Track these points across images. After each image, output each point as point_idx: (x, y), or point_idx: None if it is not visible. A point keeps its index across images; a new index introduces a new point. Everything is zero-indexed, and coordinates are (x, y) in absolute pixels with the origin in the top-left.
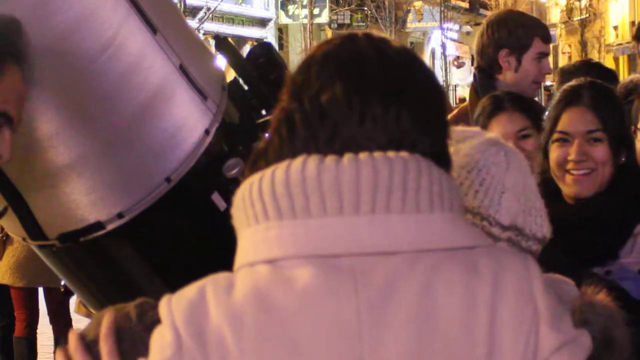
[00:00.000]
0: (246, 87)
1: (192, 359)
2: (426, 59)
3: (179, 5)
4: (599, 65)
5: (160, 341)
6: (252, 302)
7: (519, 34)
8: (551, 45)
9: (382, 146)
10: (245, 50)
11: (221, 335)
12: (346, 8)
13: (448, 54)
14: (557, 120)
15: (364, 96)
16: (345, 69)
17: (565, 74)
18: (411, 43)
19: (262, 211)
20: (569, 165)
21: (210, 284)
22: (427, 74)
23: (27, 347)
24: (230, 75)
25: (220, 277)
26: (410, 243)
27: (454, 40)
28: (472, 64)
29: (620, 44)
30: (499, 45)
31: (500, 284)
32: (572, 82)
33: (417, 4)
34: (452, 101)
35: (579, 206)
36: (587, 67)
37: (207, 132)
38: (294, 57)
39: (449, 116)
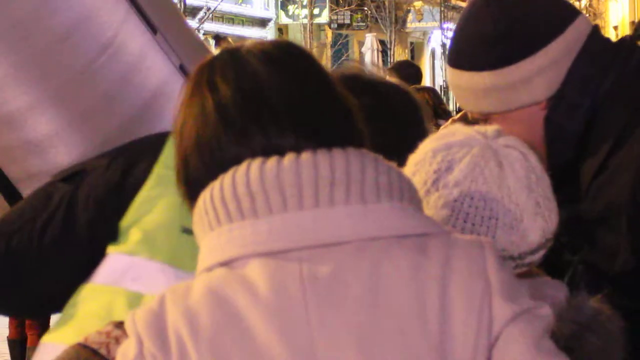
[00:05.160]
0: None
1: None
2: (426, 59)
3: (179, 5)
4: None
5: (124, 349)
6: (206, 300)
7: None
8: None
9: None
10: None
11: (179, 334)
12: (346, 8)
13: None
14: None
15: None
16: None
17: None
18: (411, 43)
19: (215, 218)
20: None
21: (169, 292)
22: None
23: (19, 349)
24: None
25: (180, 284)
26: (355, 232)
27: None
28: None
29: None
30: None
31: (450, 263)
32: None
33: (417, 4)
34: (452, 101)
35: None
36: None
37: None
38: None
39: (458, 115)
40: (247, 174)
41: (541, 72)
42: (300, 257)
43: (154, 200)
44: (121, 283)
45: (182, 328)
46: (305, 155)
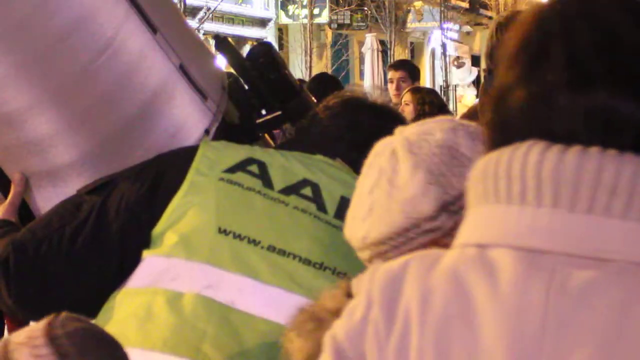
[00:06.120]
0: (246, 87)
1: (374, 330)
2: (426, 59)
3: (179, 5)
4: None
5: (353, 306)
6: (445, 282)
7: None
8: None
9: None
10: (245, 50)
11: (409, 311)
12: (346, 8)
13: (448, 54)
14: None
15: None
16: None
17: None
18: (411, 43)
19: (483, 193)
20: None
21: (416, 259)
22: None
23: None
24: None
25: (430, 252)
26: (624, 252)
27: (454, 40)
28: (472, 64)
29: None
30: None
31: None
32: None
33: (417, 4)
34: (452, 101)
35: None
36: None
37: (207, 132)
38: (294, 57)
39: (460, 116)
40: (526, 157)
41: None
42: (555, 262)
43: (188, 206)
44: (159, 284)
45: (413, 305)
46: (593, 151)
